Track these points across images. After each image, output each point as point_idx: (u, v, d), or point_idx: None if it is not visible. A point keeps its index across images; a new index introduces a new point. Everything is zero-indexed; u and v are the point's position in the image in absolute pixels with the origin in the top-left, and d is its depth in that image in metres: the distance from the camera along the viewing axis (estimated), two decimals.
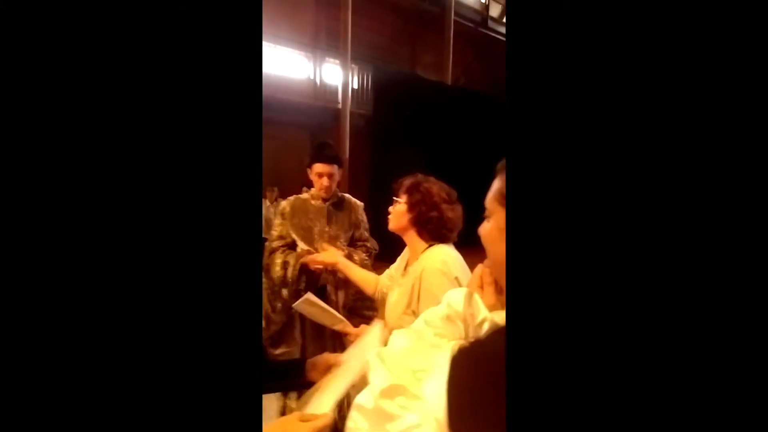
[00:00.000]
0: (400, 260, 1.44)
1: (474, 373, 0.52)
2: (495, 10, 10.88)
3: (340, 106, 7.74)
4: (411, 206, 1.30)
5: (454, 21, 9.25)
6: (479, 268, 0.66)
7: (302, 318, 1.79)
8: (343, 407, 1.24)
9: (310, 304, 1.52)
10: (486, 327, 0.59)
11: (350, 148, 7.39)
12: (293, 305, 1.61)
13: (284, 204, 1.92)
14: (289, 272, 1.77)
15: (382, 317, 1.33)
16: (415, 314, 1.19)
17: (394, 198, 1.36)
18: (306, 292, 1.55)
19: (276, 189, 5.94)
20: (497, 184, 0.59)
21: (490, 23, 10.70)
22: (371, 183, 5.76)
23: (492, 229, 0.60)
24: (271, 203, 5.77)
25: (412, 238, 1.33)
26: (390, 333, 0.70)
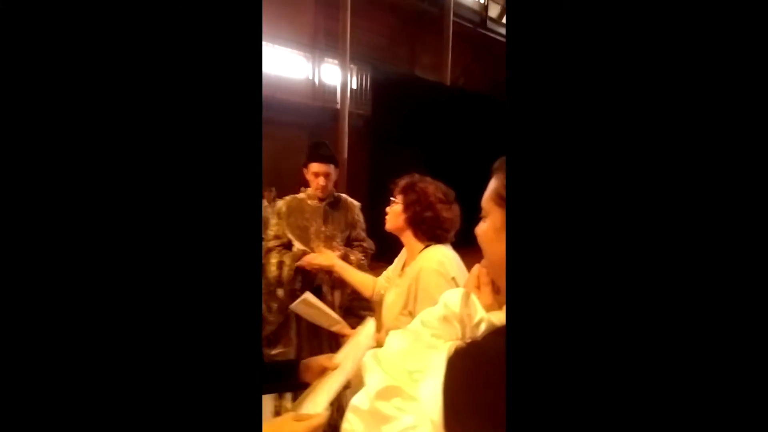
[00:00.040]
0: (398, 261, 1.43)
1: (471, 374, 0.51)
2: (494, 11, 10.91)
3: (338, 106, 7.73)
4: (406, 206, 1.29)
5: (453, 22, 9.27)
6: (476, 268, 0.66)
7: (298, 318, 1.79)
8: (339, 407, 1.23)
9: (307, 305, 1.52)
10: (483, 328, 0.59)
11: (349, 149, 7.39)
12: (291, 306, 1.60)
13: (280, 203, 1.91)
14: (285, 272, 1.76)
15: (379, 319, 1.32)
16: (411, 315, 1.18)
17: (391, 198, 1.36)
18: (301, 292, 1.54)
19: (274, 189, 5.92)
20: (493, 184, 0.59)
21: (489, 24, 10.73)
22: (370, 183, 5.77)
23: (488, 229, 0.60)
24: (269, 203, 5.76)
25: (409, 238, 1.33)
26: (386, 333, 0.69)
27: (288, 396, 1.77)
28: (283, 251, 1.83)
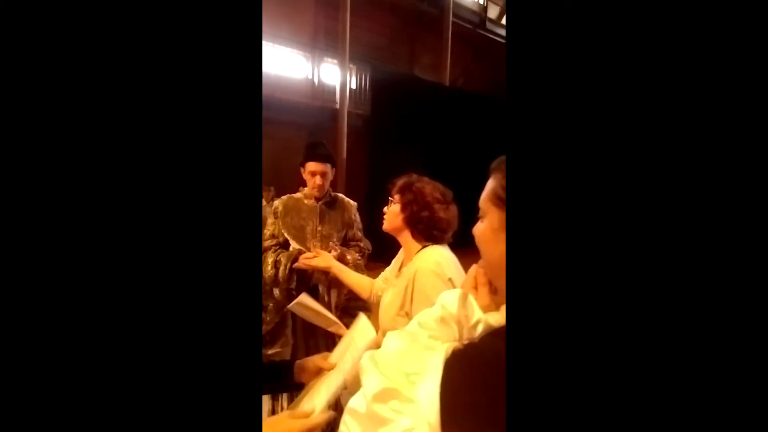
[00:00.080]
0: (395, 262, 1.43)
1: (468, 376, 0.51)
2: (493, 12, 10.94)
3: (338, 105, 7.74)
4: (404, 206, 1.29)
5: (453, 22, 9.30)
6: (473, 268, 0.66)
7: (294, 318, 1.78)
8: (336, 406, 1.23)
9: (304, 306, 1.51)
10: (480, 329, 0.58)
11: (348, 148, 7.40)
12: (288, 306, 1.60)
13: (277, 203, 1.90)
14: (281, 272, 1.75)
15: (376, 320, 1.32)
16: (408, 316, 1.18)
17: (389, 198, 1.35)
18: (298, 292, 1.54)
19: (272, 188, 5.90)
20: (491, 184, 0.59)
21: (488, 24, 10.76)
22: (368, 183, 5.77)
23: (486, 230, 0.59)
24: (268, 202, 5.75)
25: (406, 238, 1.32)
26: (383, 335, 0.69)
27: (284, 397, 1.76)
28: (280, 251, 1.82)
